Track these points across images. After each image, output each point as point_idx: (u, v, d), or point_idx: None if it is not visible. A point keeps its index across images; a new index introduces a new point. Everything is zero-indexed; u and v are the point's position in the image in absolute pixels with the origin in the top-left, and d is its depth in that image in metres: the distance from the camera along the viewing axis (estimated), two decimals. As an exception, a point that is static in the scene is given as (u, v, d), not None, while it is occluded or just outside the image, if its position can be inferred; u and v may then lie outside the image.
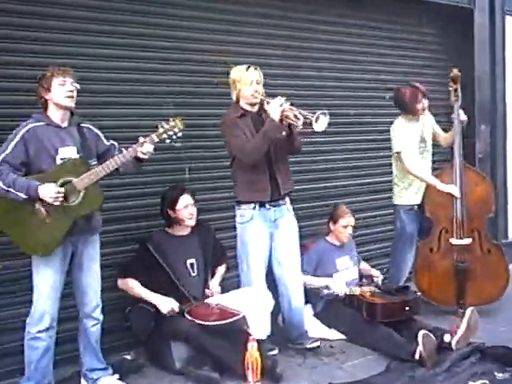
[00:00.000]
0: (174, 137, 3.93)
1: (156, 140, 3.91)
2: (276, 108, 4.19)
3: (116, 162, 3.84)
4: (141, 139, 3.89)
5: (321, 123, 4.09)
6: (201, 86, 5.14)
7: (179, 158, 5.02)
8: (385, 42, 6.39)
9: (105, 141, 4.08)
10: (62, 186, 3.74)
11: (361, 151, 6.29)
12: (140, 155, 3.89)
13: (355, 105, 6.20)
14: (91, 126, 4.05)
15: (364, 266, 5.41)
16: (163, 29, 4.95)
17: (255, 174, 4.35)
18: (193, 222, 4.55)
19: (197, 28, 5.12)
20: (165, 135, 3.91)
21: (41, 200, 3.70)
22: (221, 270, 4.78)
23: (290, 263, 4.57)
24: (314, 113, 4.08)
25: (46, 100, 3.85)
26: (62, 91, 3.80)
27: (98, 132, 4.07)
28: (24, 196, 3.66)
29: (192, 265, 4.56)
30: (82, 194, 3.78)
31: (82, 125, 3.98)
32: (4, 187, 3.64)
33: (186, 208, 4.50)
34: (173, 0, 4.98)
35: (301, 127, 4.18)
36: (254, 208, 4.41)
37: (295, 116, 4.18)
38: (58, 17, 4.50)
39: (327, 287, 4.91)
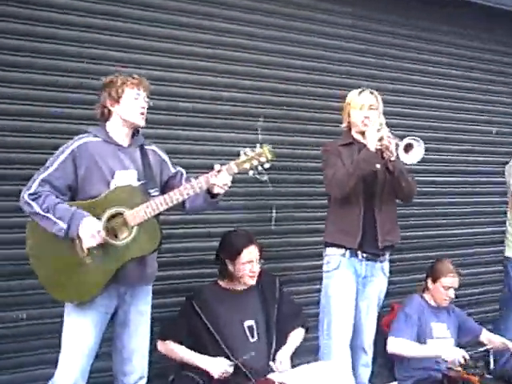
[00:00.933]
0: (260, 168, 3.06)
1: (236, 170, 3.05)
2: (373, 135, 3.47)
3: (182, 194, 2.99)
4: (216, 167, 3.03)
5: (414, 154, 3.40)
6: (299, 108, 4.44)
7: (263, 192, 4.22)
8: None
9: (171, 167, 3.26)
10: (111, 218, 2.94)
11: (469, 195, 5.46)
12: (214, 188, 3.03)
13: (465, 140, 5.42)
14: (157, 149, 3.25)
15: (488, 335, 4.31)
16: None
17: (347, 211, 3.61)
18: (253, 281, 3.63)
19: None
20: (248, 165, 3.04)
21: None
22: (295, 336, 3.82)
23: (367, 333, 3.80)
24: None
25: (109, 111, 3.08)
26: (135, 106, 3.04)
27: (165, 157, 3.27)
28: (64, 226, 2.85)
29: (251, 328, 3.62)
30: (134, 230, 2.95)
31: (147, 147, 3.19)
32: (40, 212, 2.86)
33: (250, 264, 3.59)
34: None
35: (393, 159, 3.50)
36: (344, 254, 3.63)
37: (396, 147, 3.43)
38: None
39: (439, 359, 3.87)
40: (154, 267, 3.21)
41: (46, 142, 3.54)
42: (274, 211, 4.10)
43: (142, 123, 3.08)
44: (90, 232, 2.84)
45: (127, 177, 3.03)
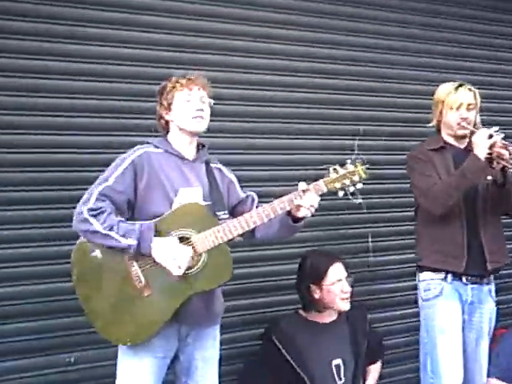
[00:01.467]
0: (352, 188, 2.55)
1: (324, 190, 2.55)
2: (482, 140, 2.94)
3: (260, 217, 2.51)
4: (302, 185, 2.53)
5: None
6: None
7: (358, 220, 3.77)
8: None
9: (240, 191, 2.79)
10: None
11: None
12: (298, 211, 2.54)
13: None
14: (224, 168, 2.80)
15: None
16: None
17: (447, 230, 3.08)
18: (347, 306, 3.24)
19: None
20: (338, 184, 2.53)
21: (139, 260, 2.46)
22: (375, 372, 3.44)
23: (477, 371, 3.22)
24: None
25: (166, 122, 2.67)
26: (187, 110, 2.60)
27: (233, 178, 2.81)
28: (133, 243, 2.39)
29: (338, 367, 3.22)
30: (203, 259, 2.47)
31: (212, 164, 2.73)
32: (101, 230, 2.39)
33: (339, 282, 3.22)
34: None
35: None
36: (445, 279, 3.10)
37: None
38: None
39: None
40: (222, 303, 2.72)
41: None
42: (369, 241, 3.55)
43: (199, 128, 2.61)
44: (172, 255, 2.39)
45: (192, 195, 2.57)
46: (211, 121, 2.68)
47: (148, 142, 2.63)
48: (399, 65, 4.17)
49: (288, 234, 2.67)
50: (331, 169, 2.55)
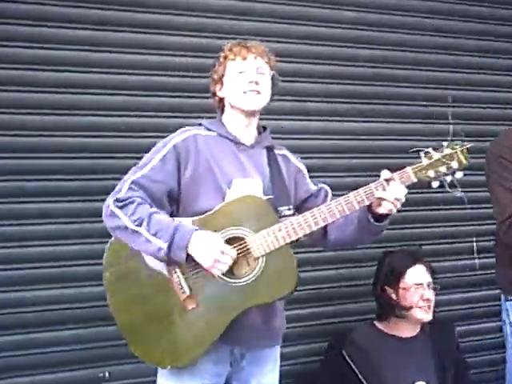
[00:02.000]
0: (449, 178, 2.01)
1: (414, 179, 2.01)
2: None
3: (332, 213, 2.01)
4: (384, 174, 2.01)
5: None
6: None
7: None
8: None
9: (310, 182, 2.28)
10: (226, 243, 1.98)
11: None
12: (380, 205, 2.01)
13: None
14: (291, 155, 2.31)
15: None
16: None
17: None
18: (429, 316, 2.80)
19: None
20: (432, 172, 1.99)
21: (182, 265, 1.99)
22: None
23: None
24: None
25: (220, 100, 2.21)
26: (239, 83, 2.13)
27: (302, 166, 2.30)
28: (164, 246, 1.92)
29: None
30: (260, 264, 1.99)
31: (277, 151, 2.24)
32: (130, 226, 1.95)
33: (419, 287, 2.78)
34: None
35: None
36: None
37: None
38: None
39: None
40: (283, 319, 2.22)
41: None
42: (475, 248, 2.97)
43: (253, 104, 2.12)
44: (215, 253, 1.92)
45: (249, 187, 2.09)
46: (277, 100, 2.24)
47: (200, 124, 2.19)
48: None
49: (368, 236, 2.14)
50: (422, 153, 2.02)
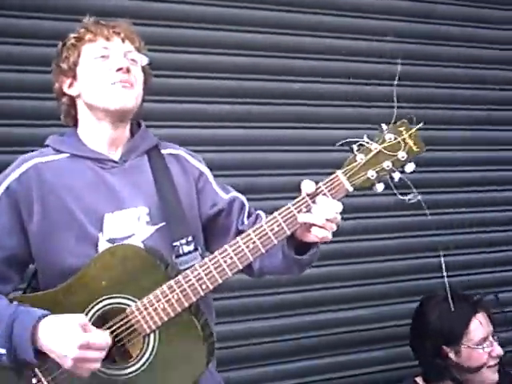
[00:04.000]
0: (397, 175, 1.41)
1: (349, 188, 1.41)
2: None
3: (242, 258, 1.41)
4: (307, 186, 1.40)
5: None
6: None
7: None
8: None
9: (218, 188, 1.65)
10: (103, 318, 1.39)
11: None
12: (308, 232, 1.41)
13: None
14: (187, 155, 1.67)
15: None
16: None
17: None
18: (496, 377, 2.25)
19: None
20: (372, 172, 1.40)
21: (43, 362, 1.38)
22: None
23: None
24: None
25: (71, 100, 1.58)
26: (99, 73, 1.52)
27: (204, 168, 1.68)
28: (2, 351, 1.34)
29: None
30: (151, 344, 1.39)
31: (165, 150, 1.64)
32: None
33: (487, 342, 2.25)
34: None
35: None
36: None
37: None
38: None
39: None
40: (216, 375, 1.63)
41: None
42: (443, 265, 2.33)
43: (122, 101, 1.50)
44: (72, 350, 1.30)
45: (129, 222, 1.49)
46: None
47: (47, 145, 1.57)
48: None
49: (299, 268, 1.53)
50: (355, 147, 1.41)
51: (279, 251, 1.48)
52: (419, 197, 1.41)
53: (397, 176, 1.41)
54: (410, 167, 1.42)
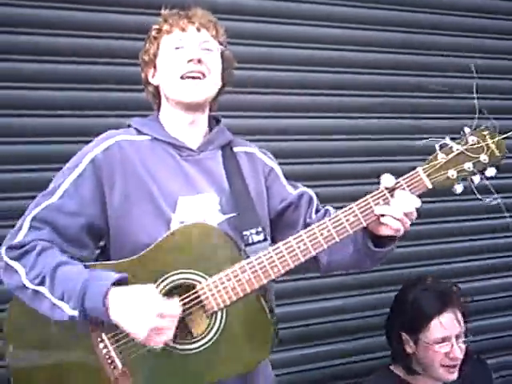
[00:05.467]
0: (477, 178, 1.42)
1: (428, 185, 1.42)
2: None
3: (315, 245, 1.42)
4: (387, 180, 1.42)
5: None
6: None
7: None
8: None
9: (287, 184, 1.68)
10: (170, 292, 1.42)
11: None
12: (383, 225, 1.42)
13: None
14: (260, 152, 1.71)
15: None
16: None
17: None
18: (453, 377, 2.16)
19: None
20: (453, 171, 1.41)
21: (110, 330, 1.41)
22: None
23: None
24: None
25: (156, 90, 1.64)
26: (174, 64, 1.56)
27: (274, 164, 1.70)
28: (75, 313, 1.36)
29: None
30: (218, 321, 1.41)
31: (237, 148, 1.67)
32: (29, 285, 1.41)
33: (447, 345, 2.14)
34: None
35: None
36: None
37: None
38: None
39: None
40: (270, 377, 1.64)
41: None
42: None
43: (192, 95, 1.54)
44: (146, 320, 1.33)
45: (201, 207, 1.52)
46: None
47: (129, 125, 1.61)
48: None
49: (370, 262, 1.53)
50: (437, 146, 1.41)
51: (350, 245, 1.50)
52: (499, 200, 1.41)
53: (477, 179, 1.41)
54: (490, 171, 1.42)
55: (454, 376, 2.17)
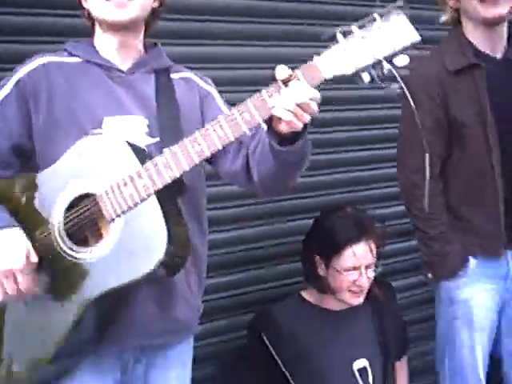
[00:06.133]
0: (387, 67, 1.27)
1: (326, 74, 1.30)
2: None
3: (209, 142, 1.35)
4: (281, 72, 1.32)
5: None
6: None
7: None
8: None
9: (225, 107, 1.61)
10: (73, 206, 1.42)
11: None
12: (281, 122, 1.32)
13: None
14: (196, 77, 1.67)
15: None
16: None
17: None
18: (357, 301, 2.26)
19: None
20: (354, 61, 1.28)
21: None
22: (402, 370, 2.46)
23: None
24: None
25: (88, 13, 1.59)
26: None
27: (212, 89, 1.67)
28: None
29: (363, 372, 2.28)
30: (116, 229, 1.38)
31: (175, 74, 1.64)
32: None
33: (356, 272, 2.22)
34: None
35: None
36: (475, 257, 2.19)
37: None
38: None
39: None
40: (193, 303, 1.61)
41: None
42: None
43: (115, 14, 1.49)
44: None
45: (127, 128, 1.50)
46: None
47: (65, 49, 1.60)
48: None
49: (286, 168, 1.44)
50: (339, 33, 1.30)
51: (270, 154, 1.41)
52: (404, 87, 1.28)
53: (386, 66, 1.29)
54: (402, 59, 1.29)
55: (360, 300, 2.25)
